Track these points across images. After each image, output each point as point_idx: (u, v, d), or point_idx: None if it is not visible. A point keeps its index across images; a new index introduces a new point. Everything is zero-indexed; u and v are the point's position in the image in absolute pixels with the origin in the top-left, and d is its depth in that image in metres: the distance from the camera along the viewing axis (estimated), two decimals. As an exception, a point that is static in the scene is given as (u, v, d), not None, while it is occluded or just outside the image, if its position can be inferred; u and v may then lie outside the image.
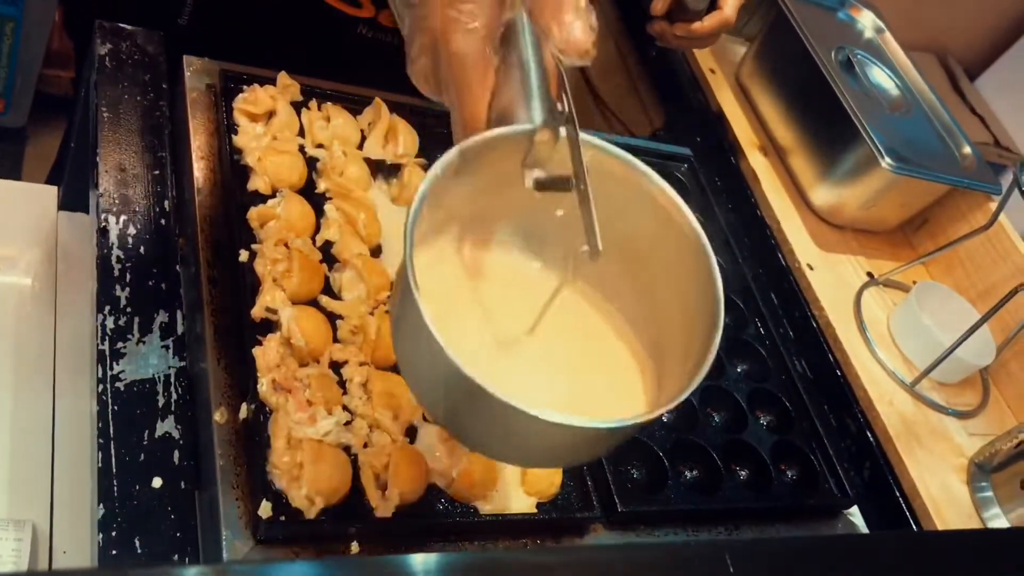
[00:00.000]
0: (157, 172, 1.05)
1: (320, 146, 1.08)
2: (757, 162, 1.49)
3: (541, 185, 0.70)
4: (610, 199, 0.71)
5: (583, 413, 0.64)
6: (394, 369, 0.95)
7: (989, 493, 1.21)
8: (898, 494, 1.20)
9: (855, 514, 1.14)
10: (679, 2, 1.26)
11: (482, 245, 0.78)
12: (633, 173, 0.74)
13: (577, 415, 0.62)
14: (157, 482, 0.85)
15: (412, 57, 0.76)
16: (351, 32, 1.24)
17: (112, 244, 0.97)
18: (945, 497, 1.19)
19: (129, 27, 1.14)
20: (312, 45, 1.27)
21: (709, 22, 1.26)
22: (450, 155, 0.68)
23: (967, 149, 1.49)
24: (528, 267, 0.79)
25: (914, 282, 1.45)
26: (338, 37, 1.26)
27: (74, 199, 1.15)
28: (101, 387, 0.88)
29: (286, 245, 0.96)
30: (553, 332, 0.75)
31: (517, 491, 0.94)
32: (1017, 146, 3.72)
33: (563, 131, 0.70)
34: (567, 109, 0.70)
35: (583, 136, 0.71)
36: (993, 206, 1.45)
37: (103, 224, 0.98)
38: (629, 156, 0.73)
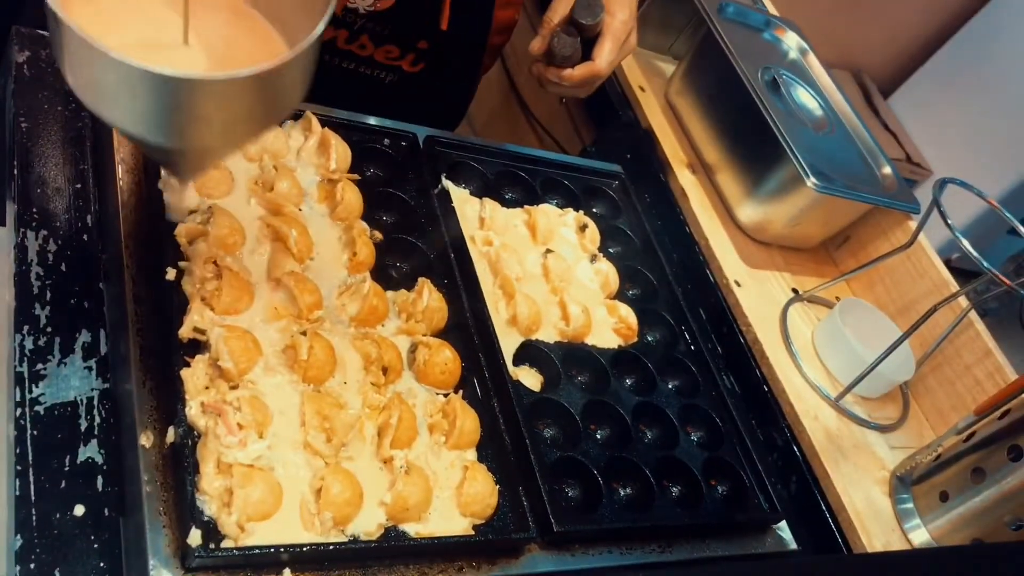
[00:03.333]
0: (79, 185, 1.01)
1: (250, 160, 1.06)
2: (686, 179, 1.51)
3: None
4: None
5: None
6: (333, 383, 0.93)
7: (910, 505, 1.24)
8: (824, 508, 1.22)
9: (784, 528, 1.15)
10: (549, 46, 1.26)
11: None
12: None
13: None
14: (79, 510, 0.81)
15: None
16: None
17: (31, 260, 0.93)
18: (868, 510, 1.22)
19: (48, 33, 1.10)
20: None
21: (579, 71, 1.26)
22: None
23: (887, 169, 1.53)
24: None
25: (837, 298, 1.48)
26: None
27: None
28: (19, 411, 0.84)
29: (215, 263, 0.94)
30: (201, 32, 0.76)
31: (453, 513, 0.93)
32: (928, 163, 3.86)
33: None
34: None
35: None
36: (912, 224, 1.49)
37: (21, 239, 0.94)
38: None
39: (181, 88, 0.66)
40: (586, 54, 1.26)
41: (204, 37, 0.77)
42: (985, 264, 1.18)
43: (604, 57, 1.26)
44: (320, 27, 0.70)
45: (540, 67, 1.28)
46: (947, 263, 1.49)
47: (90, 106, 0.73)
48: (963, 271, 1.75)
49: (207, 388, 0.86)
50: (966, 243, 1.18)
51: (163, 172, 0.98)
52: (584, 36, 1.25)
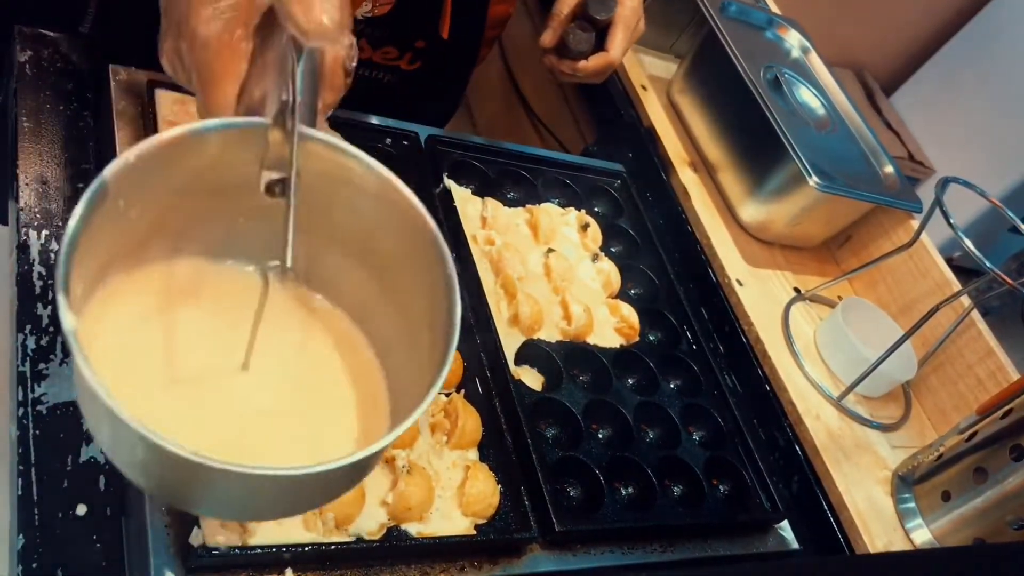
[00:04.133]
0: (81, 185, 1.01)
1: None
2: (687, 178, 1.51)
3: (270, 189, 0.63)
4: (348, 201, 0.65)
5: (284, 460, 0.56)
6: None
7: (912, 505, 1.24)
8: (826, 507, 1.22)
9: (785, 528, 1.15)
10: (563, 41, 1.26)
11: (206, 255, 0.70)
12: (360, 167, 0.68)
13: (275, 463, 0.54)
14: (82, 509, 0.82)
15: (160, 38, 0.68)
16: None
17: (33, 260, 0.94)
18: (870, 509, 1.22)
19: (51, 33, 1.11)
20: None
21: (593, 63, 1.27)
22: (151, 142, 0.58)
23: (889, 168, 1.53)
24: (252, 284, 0.70)
25: (839, 297, 1.48)
26: None
27: (-9, 211, 1.10)
28: (22, 410, 0.84)
29: (217, 262, 0.94)
30: (268, 362, 0.66)
31: (455, 512, 0.93)
32: (931, 161, 3.86)
33: (303, 129, 0.63)
34: (289, 99, 0.62)
35: (306, 131, 0.63)
36: (914, 223, 1.49)
37: (24, 239, 0.95)
38: (359, 153, 0.67)
39: (185, 467, 0.53)
40: (598, 43, 1.27)
41: (276, 357, 0.67)
42: (987, 263, 1.18)
43: (617, 47, 1.27)
44: (418, 413, 0.58)
45: (553, 60, 1.29)
46: (949, 262, 1.49)
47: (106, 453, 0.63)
48: (965, 270, 1.75)
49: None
50: (968, 243, 1.18)
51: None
52: (597, 27, 1.25)
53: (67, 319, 0.53)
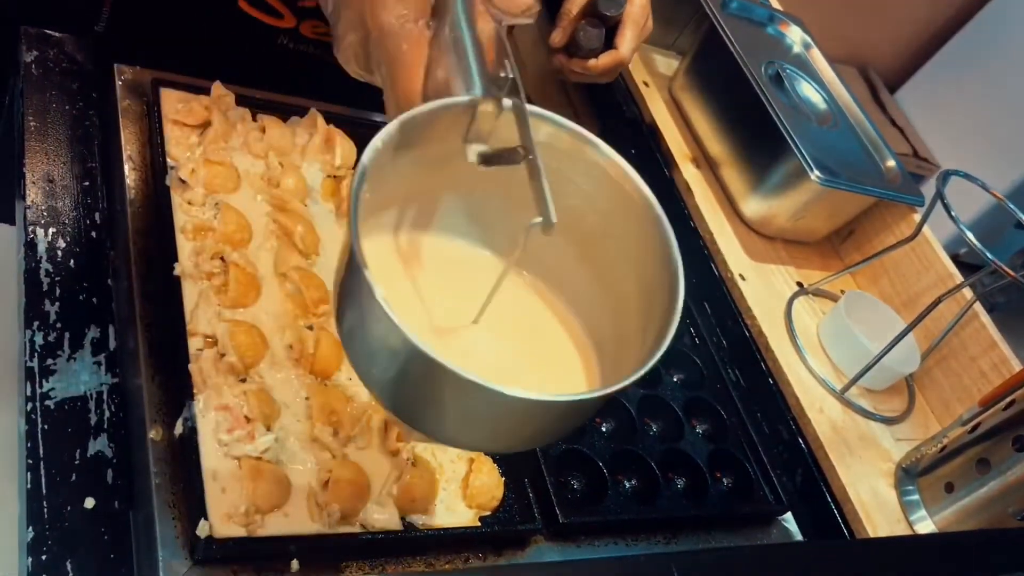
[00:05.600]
0: (87, 183, 1.02)
1: (256, 157, 1.07)
2: (690, 174, 1.52)
3: (486, 159, 0.67)
4: (557, 173, 0.68)
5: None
6: (340, 376, 0.94)
7: (916, 497, 1.25)
8: (829, 500, 1.22)
9: (789, 520, 1.16)
10: (574, 39, 1.27)
11: (422, 227, 0.75)
12: (581, 143, 0.71)
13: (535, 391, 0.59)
14: (89, 502, 0.82)
15: (338, 36, 0.71)
16: (272, 42, 1.23)
17: (40, 257, 0.95)
18: (874, 502, 1.22)
19: (56, 33, 1.12)
20: (234, 55, 1.25)
21: (603, 60, 1.27)
22: (390, 128, 0.64)
23: (891, 162, 1.53)
24: (471, 251, 0.76)
25: (842, 291, 1.48)
26: (259, 47, 1.25)
27: (-2, 211, 1.12)
28: (30, 405, 0.85)
29: (222, 258, 0.95)
30: (494, 322, 0.72)
31: (459, 505, 0.94)
32: (935, 157, 3.85)
33: (506, 102, 0.67)
34: (511, 75, 0.67)
35: (528, 107, 0.67)
36: (916, 217, 1.49)
37: (30, 237, 0.96)
38: (577, 126, 0.70)
39: (521, 407, 0.60)
40: (607, 42, 1.27)
41: (488, 330, 0.72)
42: (988, 255, 1.18)
43: (627, 44, 1.27)
44: (644, 369, 0.62)
45: (563, 59, 1.30)
46: (955, 258, 1.49)
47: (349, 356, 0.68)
48: (972, 266, 1.75)
49: (215, 382, 0.87)
50: (970, 235, 1.18)
51: (169, 171, 0.99)
52: (606, 25, 1.26)
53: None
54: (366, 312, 0.60)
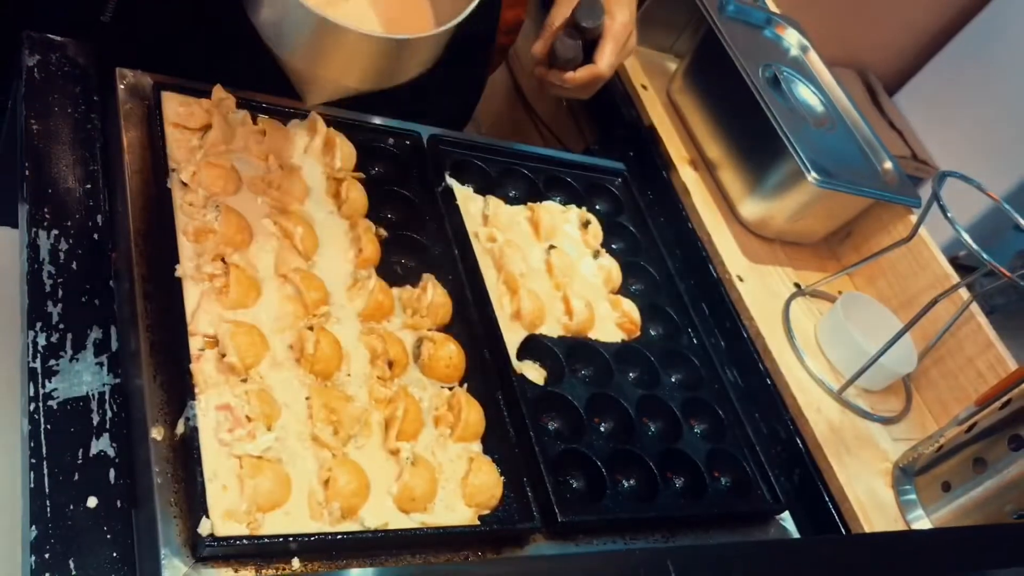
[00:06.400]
0: (89, 186, 1.03)
1: (256, 159, 1.08)
2: (688, 176, 1.53)
3: None
4: None
5: None
6: (340, 376, 0.95)
7: (913, 496, 1.25)
8: (827, 499, 1.23)
9: (786, 519, 1.16)
10: (552, 49, 1.27)
11: None
12: None
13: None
14: (92, 502, 0.83)
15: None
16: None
17: (43, 259, 0.95)
18: (871, 501, 1.23)
19: (58, 38, 1.12)
20: (235, 59, 1.25)
21: (580, 74, 1.27)
22: None
23: (888, 164, 1.54)
24: None
25: (839, 292, 1.49)
26: (260, 51, 1.25)
27: (1, 213, 1.12)
28: (33, 406, 0.86)
29: (223, 260, 0.96)
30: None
31: (458, 503, 0.94)
32: (934, 160, 3.86)
33: None
34: None
35: None
36: (913, 218, 1.50)
37: (33, 239, 0.96)
38: None
39: (330, 31, 0.89)
40: (587, 57, 1.27)
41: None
42: (984, 256, 1.19)
43: (605, 59, 1.27)
44: (469, 9, 0.89)
45: (542, 70, 1.30)
46: (954, 260, 1.50)
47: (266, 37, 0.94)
48: (973, 269, 1.75)
49: (216, 382, 0.88)
50: (966, 236, 1.19)
51: (170, 173, 1.00)
52: (586, 39, 1.27)
53: None
54: None
